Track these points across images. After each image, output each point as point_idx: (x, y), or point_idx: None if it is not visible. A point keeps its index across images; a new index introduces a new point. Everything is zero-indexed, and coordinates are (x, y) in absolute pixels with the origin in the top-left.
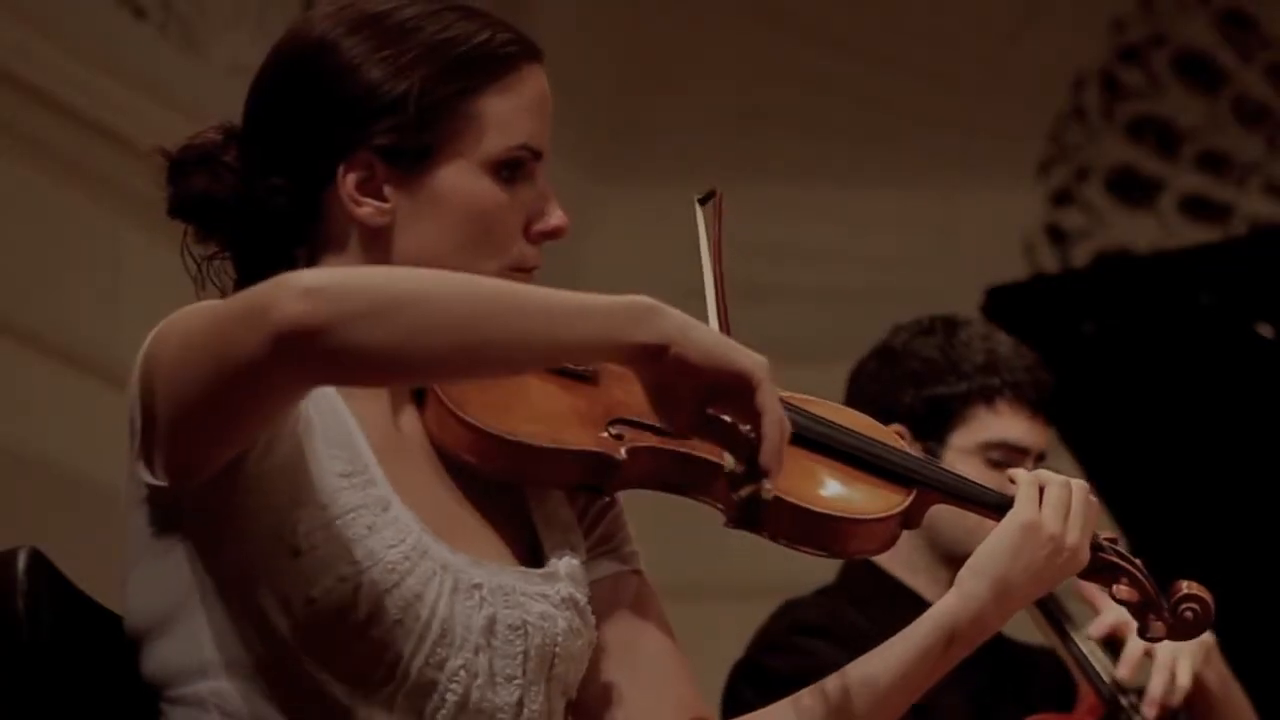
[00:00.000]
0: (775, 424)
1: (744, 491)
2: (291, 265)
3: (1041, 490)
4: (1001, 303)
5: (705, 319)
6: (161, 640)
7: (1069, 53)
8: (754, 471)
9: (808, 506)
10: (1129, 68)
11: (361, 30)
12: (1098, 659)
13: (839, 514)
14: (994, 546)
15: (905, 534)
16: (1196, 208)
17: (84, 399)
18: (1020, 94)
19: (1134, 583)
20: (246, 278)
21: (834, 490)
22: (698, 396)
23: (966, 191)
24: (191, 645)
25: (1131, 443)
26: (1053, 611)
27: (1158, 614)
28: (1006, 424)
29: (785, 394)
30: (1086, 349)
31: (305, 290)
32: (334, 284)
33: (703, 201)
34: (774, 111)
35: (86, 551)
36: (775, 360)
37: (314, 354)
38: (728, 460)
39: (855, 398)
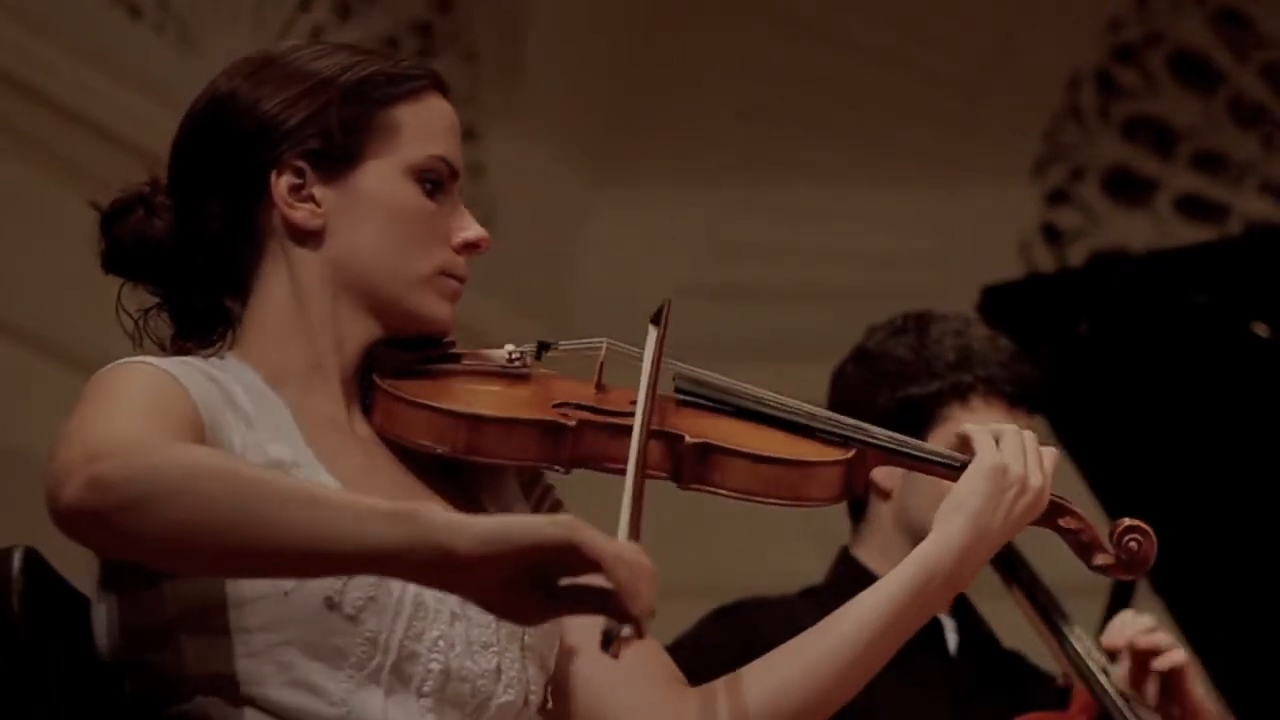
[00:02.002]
0: (618, 565)
1: (619, 639)
2: (225, 316)
3: (998, 440)
4: (997, 301)
5: (695, 324)
6: (136, 668)
7: (1065, 52)
8: (623, 618)
9: (755, 452)
10: (1125, 67)
11: (274, 64)
12: (1093, 658)
13: (786, 457)
14: (966, 489)
15: (893, 531)
16: (1192, 207)
17: None
18: (1016, 93)
19: (1077, 518)
20: (183, 330)
21: (778, 444)
22: (527, 583)
23: (963, 190)
24: (171, 668)
25: (1127, 442)
26: (1048, 610)
27: (1100, 547)
28: (982, 419)
29: (724, 380)
30: (1082, 348)
31: (89, 480)
32: (115, 474)
33: (655, 320)
34: (772, 111)
35: (83, 551)
36: (772, 359)
37: (92, 537)
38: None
39: (835, 400)
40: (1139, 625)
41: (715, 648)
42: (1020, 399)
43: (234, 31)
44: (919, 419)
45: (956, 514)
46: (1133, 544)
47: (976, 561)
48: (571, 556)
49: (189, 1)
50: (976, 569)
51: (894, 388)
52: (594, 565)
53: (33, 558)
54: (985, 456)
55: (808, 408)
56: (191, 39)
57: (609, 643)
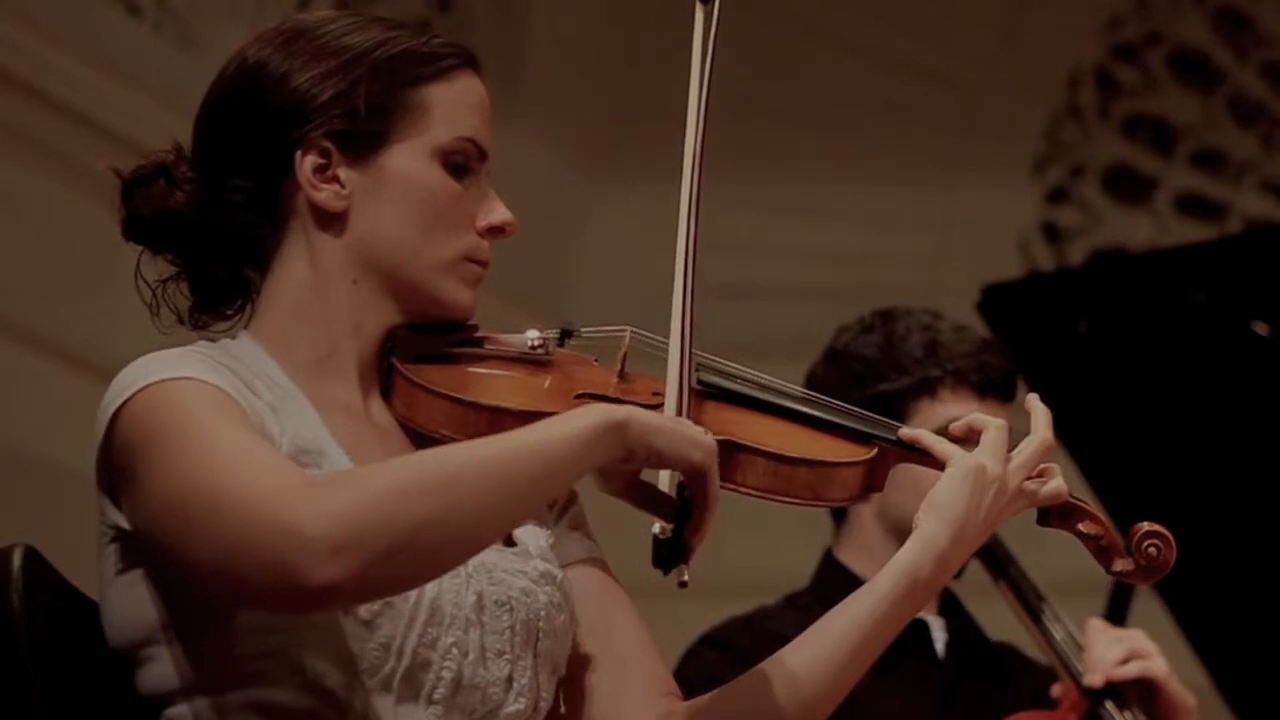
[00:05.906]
0: (712, 508)
1: (664, 568)
2: (245, 288)
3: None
4: (997, 300)
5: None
6: (145, 664)
7: (1065, 51)
8: (679, 546)
9: (777, 451)
10: (1125, 65)
11: (305, 35)
12: (1078, 651)
13: (809, 457)
14: (948, 489)
15: (875, 528)
16: (1192, 206)
17: (82, 398)
18: (1016, 92)
19: (1097, 522)
20: (201, 301)
21: (801, 443)
22: (636, 471)
23: (963, 189)
24: (174, 667)
25: (1127, 441)
26: (1034, 606)
27: (1120, 552)
28: (951, 411)
29: (748, 372)
30: (1081, 346)
31: (332, 550)
32: (353, 533)
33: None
34: (771, 109)
35: (84, 549)
36: (770, 357)
37: (347, 600)
38: (656, 525)
39: None
40: (1112, 657)
41: (714, 680)
42: (989, 388)
43: (233, 30)
44: (889, 416)
45: (940, 517)
46: (1152, 549)
47: (956, 562)
48: (693, 477)
49: (188, 0)
50: (956, 568)
51: (864, 386)
52: (699, 496)
53: (33, 557)
54: (967, 455)
55: (832, 403)
56: (191, 37)
57: (664, 561)
